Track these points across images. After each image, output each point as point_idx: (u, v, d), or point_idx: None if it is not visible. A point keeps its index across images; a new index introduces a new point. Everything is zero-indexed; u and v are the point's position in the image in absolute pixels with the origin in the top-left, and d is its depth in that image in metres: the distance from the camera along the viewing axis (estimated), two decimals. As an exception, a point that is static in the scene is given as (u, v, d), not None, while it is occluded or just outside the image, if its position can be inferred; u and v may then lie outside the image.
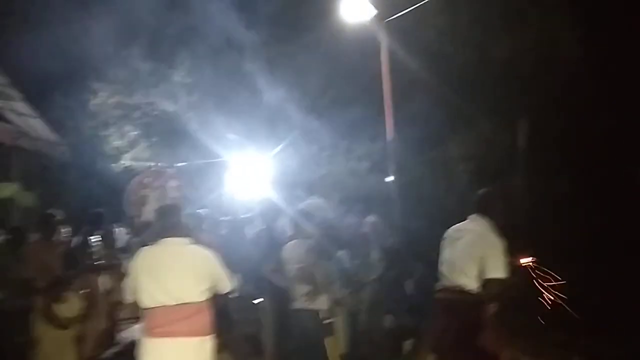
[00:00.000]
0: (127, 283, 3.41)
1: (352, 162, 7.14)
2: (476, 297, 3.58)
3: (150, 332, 3.21)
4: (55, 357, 5.48)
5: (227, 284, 3.56)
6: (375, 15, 5.78)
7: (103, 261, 6.78)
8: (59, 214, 5.95)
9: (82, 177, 18.61)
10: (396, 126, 6.08)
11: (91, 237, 6.89)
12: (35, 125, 12.56)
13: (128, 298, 3.44)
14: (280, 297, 4.72)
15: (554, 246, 5.46)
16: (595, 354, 4.15)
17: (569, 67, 5.33)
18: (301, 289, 4.28)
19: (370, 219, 5.46)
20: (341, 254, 4.90)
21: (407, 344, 4.97)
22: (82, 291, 5.76)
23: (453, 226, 3.94)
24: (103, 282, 6.74)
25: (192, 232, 5.82)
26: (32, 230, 6.33)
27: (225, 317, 6.68)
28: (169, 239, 3.38)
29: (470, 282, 3.60)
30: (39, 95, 12.76)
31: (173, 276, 3.22)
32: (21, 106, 10.89)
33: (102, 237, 7.16)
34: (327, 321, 4.28)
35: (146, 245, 3.46)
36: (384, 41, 5.83)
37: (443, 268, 3.80)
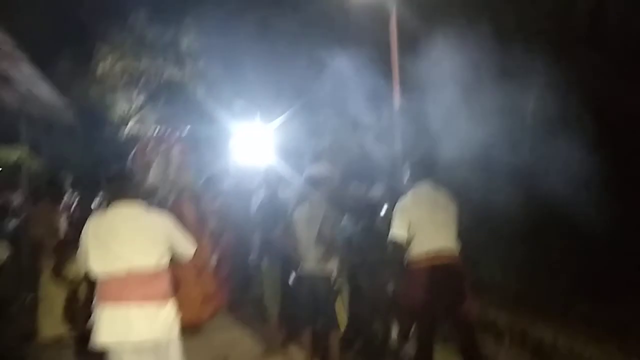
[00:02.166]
0: (80, 257, 3.25)
1: (359, 130, 7.11)
2: (454, 256, 3.71)
3: (103, 297, 3.10)
4: (63, 313, 5.66)
5: (187, 248, 3.37)
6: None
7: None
8: (66, 178, 6.00)
9: (88, 142, 18.71)
10: (405, 93, 6.03)
11: (96, 200, 6.95)
12: (42, 90, 12.53)
13: (82, 270, 3.34)
14: (287, 261, 4.80)
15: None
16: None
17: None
18: (311, 253, 4.33)
19: (376, 186, 5.46)
20: (346, 219, 4.96)
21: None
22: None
23: (411, 194, 3.95)
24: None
25: (177, 204, 5.93)
26: (41, 194, 6.41)
27: (231, 282, 6.84)
28: (120, 202, 3.22)
29: (450, 242, 3.72)
30: (45, 60, 12.69)
31: (124, 241, 3.09)
32: (28, 70, 10.83)
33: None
34: (336, 284, 4.36)
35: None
36: (393, 6, 5.74)
37: (418, 233, 3.76)
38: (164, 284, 3.21)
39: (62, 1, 13.35)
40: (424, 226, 3.75)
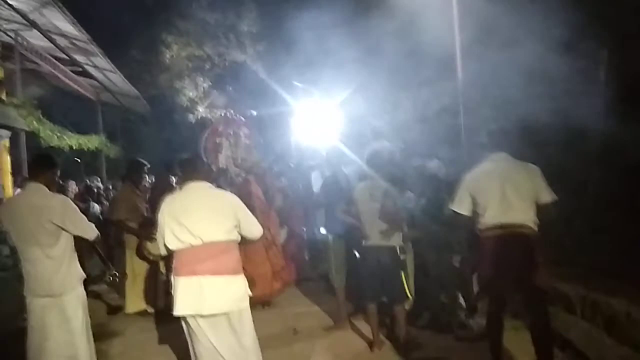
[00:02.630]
0: (158, 235, 3.46)
1: (420, 106, 7.00)
2: (529, 230, 3.56)
3: (178, 271, 3.33)
4: (145, 289, 6.11)
5: (253, 229, 3.52)
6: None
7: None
8: (145, 162, 6.36)
9: (160, 128, 19.71)
10: (466, 68, 5.88)
11: (171, 182, 7.35)
12: (116, 80, 13.32)
13: (162, 251, 3.49)
14: (352, 236, 4.90)
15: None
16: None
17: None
18: (376, 227, 4.39)
19: (434, 162, 5.42)
20: (408, 194, 4.99)
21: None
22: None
23: (480, 167, 3.82)
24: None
25: (245, 183, 6.15)
26: (122, 177, 6.87)
27: (299, 258, 7.08)
28: (192, 183, 3.45)
29: (528, 216, 3.57)
30: (117, 51, 13.39)
31: (196, 218, 3.28)
32: (102, 62, 11.52)
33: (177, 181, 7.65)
34: (401, 258, 4.42)
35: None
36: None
37: (489, 206, 3.65)
38: (234, 258, 3.42)
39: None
40: (494, 198, 3.65)
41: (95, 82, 13.79)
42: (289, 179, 7.35)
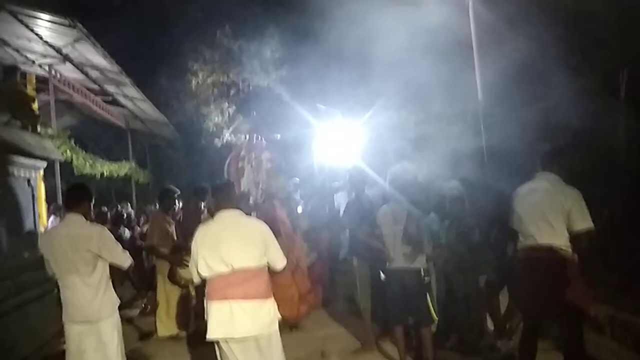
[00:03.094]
0: (191, 263, 3.60)
1: (442, 125, 7.05)
2: (565, 253, 3.54)
3: (211, 296, 3.47)
4: (177, 314, 6.24)
5: (279, 262, 3.62)
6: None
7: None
8: (176, 189, 6.55)
9: (188, 153, 20.19)
10: (487, 87, 5.93)
11: (199, 208, 7.54)
12: (145, 108, 13.78)
13: (195, 279, 3.61)
14: (376, 259, 4.95)
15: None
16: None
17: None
18: (399, 250, 4.44)
19: (454, 183, 5.45)
20: (432, 216, 5.03)
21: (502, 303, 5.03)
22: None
23: (523, 186, 3.84)
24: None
25: (271, 208, 6.27)
26: (153, 203, 7.09)
27: (324, 280, 7.13)
28: (222, 212, 3.61)
29: (559, 239, 3.56)
30: (145, 80, 13.87)
31: (228, 246, 3.42)
32: (132, 91, 11.94)
33: (207, 208, 7.85)
34: (426, 279, 4.45)
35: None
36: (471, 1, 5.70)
37: (525, 227, 3.71)
38: (263, 283, 3.54)
39: (155, 25, 14.57)
40: (533, 218, 3.69)
41: (125, 110, 14.27)
42: (313, 201, 7.45)
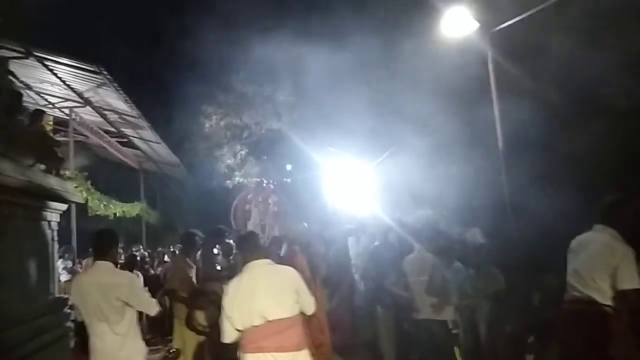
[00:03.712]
0: (223, 321, 3.49)
1: (463, 172, 7.11)
2: (608, 309, 3.49)
3: (246, 348, 3.41)
4: (194, 358, 6.12)
5: (310, 305, 3.60)
6: (479, 27, 5.82)
7: (226, 272, 7.41)
8: (199, 233, 6.54)
9: (197, 195, 20.28)
10: (505, 135, 6.02)
11: (215, 250, 7.52)
12: (159, 150, 13.97)
13: (228, 334, 3.50)
14: (402, 308, 4.89)
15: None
16: None
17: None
18: (426, 300, 4.40)
19: (474, 230, 5.45)
20: (457, 265, 5.00)
21: (530, 357, 4.93)
22: (213, 300, 6.34)
23: (579, 236, 3.84)
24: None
25: (291, 254, 6.24)
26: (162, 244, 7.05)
27: (346, 326, 7.01)
28: (251, 263, 3.57)
29: (601, 294, 3.53)
30: (159, 122, 14.10)
31: (260, 298, 3.38)
32: (148, 134, 12.14)
33: (221, 250, 7.84)
34: (454, 331, 4.38)
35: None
36: (490, 51, 5.85)
37: (571, 279, 3.73)
38: (298, 333, 3.50)
39: (171, 68, 14.98)
40: (576, 271, 3.71)
41: (139, 151, 14.47)
42: (331, 248, 7.42)
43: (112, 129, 12.09)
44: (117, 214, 12.85)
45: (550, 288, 4.96)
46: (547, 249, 5.23)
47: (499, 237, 5.50)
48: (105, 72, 7.97)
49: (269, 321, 3.40)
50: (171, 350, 5.15)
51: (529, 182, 5.46)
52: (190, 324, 5.89)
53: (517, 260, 5.36)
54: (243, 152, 15.23)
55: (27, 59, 7.56)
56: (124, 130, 12.26)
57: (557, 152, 5.24)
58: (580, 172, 5.03)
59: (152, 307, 3.92)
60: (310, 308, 3.63)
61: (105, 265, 3.87)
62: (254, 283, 3.50)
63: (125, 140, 13.28)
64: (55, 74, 8.44)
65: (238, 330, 3.50)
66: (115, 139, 12.99)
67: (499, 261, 5.07)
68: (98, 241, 4.05)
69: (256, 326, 3.41)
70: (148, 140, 12.92)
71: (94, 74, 8.16)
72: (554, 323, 4.62)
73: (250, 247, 3.70)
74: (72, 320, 6.43)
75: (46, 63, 7.99)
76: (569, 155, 5.25)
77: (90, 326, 3.79)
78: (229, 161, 15.22)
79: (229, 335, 3.52)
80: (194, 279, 6.14)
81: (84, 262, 10.08)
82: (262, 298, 3.43)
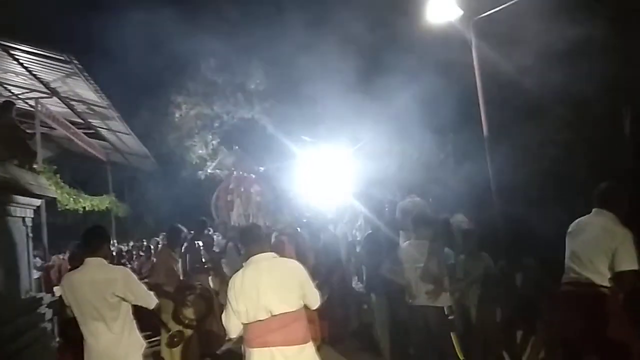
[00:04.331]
0: (229, 315, 3.43)
1: (445, 159, 7.18)
2: (605, 290, 3.58)
3: (250, 343, 3.38)
4: (182, 352, 6.03)
5: (315, 299, 3.56)
6: (463, 14, 5.86)
7: (209, 264, 7.32)
8: (183, 227, 6.39)
9: (167, 186, 19.83)
10: (490, 122, 6.10)
11: (197, 242, 7.41)
12: (128, 141, 13.55)
13: (233, 328, 3.46)
14: (397, 295, 4.92)
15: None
16: None
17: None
18: (422, 287, 4.43)
19: (460, 216, 5.53)
20: (447, 251, 5.07)
21: (518, 337, 5.06)
22: (200, 293, 6.27)
23: (578, 219, 3.91)
24: (212, 283, 7.31)
25: (279, 244, 6.18)
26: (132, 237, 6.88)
27: (336, 314, 7.02)
28: (255, 257, 3.50)
29: (599, 276, 3.61)
30: (128, 112, 13.67)
31: (266, 292, 3.33)
32: (117, 125, 11.76)
33: (203, 242, 7.73)
34: (450, 317, 4.45)
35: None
36: (474, 39, 5.89)
37: (569, 262, 3.79)
38: (303, 327, 3.46)
39: (139, 57, 14.54)
40: (574, 254, 3.76)
41: (107, 143, 14.02)
42: (320, 237, 7.39)
43: (79, 120, 11.64)
44: (86, 208, 12.47)
45: (530, 270, 5.11)
46: (525, 232, 5.37)
47: (481, 222, 5.58)
48: (75, 62, 7.64)
49: (274, 315, 3.35)
50: (173, 334, 5.07)
51: (511, 168, 5.56)
52: (176, 318, 5.80)
53: (498, 243, 5.47)
54: (215, 142, 14.98)
55: (-9, 47, 7.18)
56: (91, 121, 11.83)
57: (540, 139, 5.36)
58: (563, 159, 5.16)
59: (151, 300, 3.82)
60: (315, 302, 3.59)
61: (96, 261, 3.73)
62: (259, 277, 3.43)
63: (92, 131, 12.83)
64: (22, 64, 8.04)
65: (241, 323, 3.45)
66: (81, 131, 12.52)
67: (483, 245, 5.16)
68: (87, 238, 3.89)
69: (261, 320, 3.35)
70: (116, 132, 12.53)
71: (63, 63, 7.81)
72: (536, 303, 4.77)
73: (254, 240, 3.61)
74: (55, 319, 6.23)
75: (11, 52, 7.60)
76: (552, 141, 5.37)
77: (85, 325, 3.65)
78: (200, 151, 14.95)
79: (235, 330, 3.47)
80: (180, 273, 6.04)
81: (53, 258, 9.77)
82: (268, 292, 3.37)
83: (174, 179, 17.56)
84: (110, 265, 3.81)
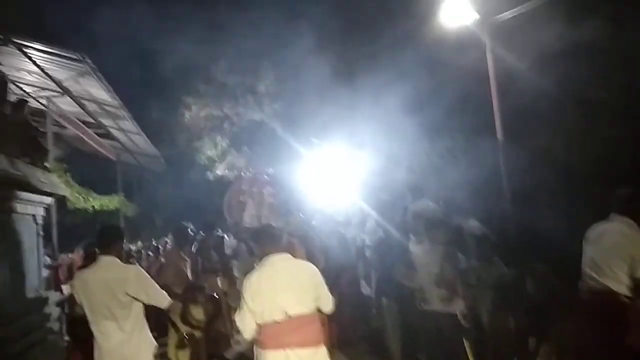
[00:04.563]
0: (245, 316, 3.38)
1: (460, 163, 7.12)
2: (624, 298, 3.53)
3: (264, 345, 3.34)
4: (191, 352, 6.00)
5: (328, 302, 3.55)
6: (479, 17, 5.82)
7: (218, 265, 7.28)
8: (190, 225, 6.35)
9: (176, 187, 19.91)
10: (505, 126, 6.04)
11: (207, 243, 7.37)
12: (138, 141, 13.60)
13: (248, 328, 3.41)
14: (409, 300, 4.86)
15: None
16: None
17: None
18: (436, 292, 4.39)
19: (473, 222, 5.46)
20: (460, 256, 5.00)
21: (530, 343, 4.99)
22: (210, 294, 6.23)
23: (595, 225, 3.86)
24: (221, 284, 7.28)
25: (290, 246, 6.11)
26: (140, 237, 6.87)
27: (345, 318, 6.96)
28: (270, 257, 3.47)
29: (618, 283, 3.56)
30: (138, 113, 13.72)
31: (280, 293, 3.32)
32: (128, 125, 11.81)
33: (213, 243, 7.68)
34: (463, 323, 4.38)
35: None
36: (489, 42, 5.84)
37: (587, 269, 3.75)
38: (317, 329, 3.43)
39: (150, 58, 14.62)
40: (593, 261, 3.71)
41: (117, 143, 14.08)
42: (331, 240, 7.33)
43: (90, 120, 11.70)
44: (96, 207, 12.52)
45: (543, 275, 5.04)
46: (539, 237, 5.31)
47: (494, 227, 5.51)
48: (88, 60, 7.67)
49: (290, 316, 3.32)
50: (184, 335, 5.05)
51: (526, 173, 5.50)
52: (184, 319, 5.77)
53: (511, 249, 5.41)
54: (224, 143, 14.98)
55: (5, 46, 7.22)
56: (102, 120, 11.88)
57: (555, 144, 5.29)
58: (580, 162, 5.09)
59: (164, 300, 3.80)
60: (328, 305, 3.56)
61: (109, 259, 3.71)
62: (276, 277, 3.41)
63: (103, 131, 12.88)
64: (35, 62, 8.08)
65: (256, 324, 3.41)
66: (92, 130, 12.58)
67: (496, 251, 5.09)
68: (102, 236, 3.89)
69: (277, 322, 3.32)
70: (127, 131, 12.57)
71: (76, 61, 7.85)
72: (548, 309, 4.70)
73: (270, 240, 3.59)
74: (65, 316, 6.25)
75: (25, 50, 7.64)
76: (567, 146, 5.31)
77: (95, 324, 3.63)
78: (209, 152, 14.95)
79: (249, 331, 3.42)
80: (188, 274, 6.00)
81: (62, 257, 9.80)
82: (285, 293, 3.35)
83: (183, 180, 17.63)
84: (123, 264, 3.79)
